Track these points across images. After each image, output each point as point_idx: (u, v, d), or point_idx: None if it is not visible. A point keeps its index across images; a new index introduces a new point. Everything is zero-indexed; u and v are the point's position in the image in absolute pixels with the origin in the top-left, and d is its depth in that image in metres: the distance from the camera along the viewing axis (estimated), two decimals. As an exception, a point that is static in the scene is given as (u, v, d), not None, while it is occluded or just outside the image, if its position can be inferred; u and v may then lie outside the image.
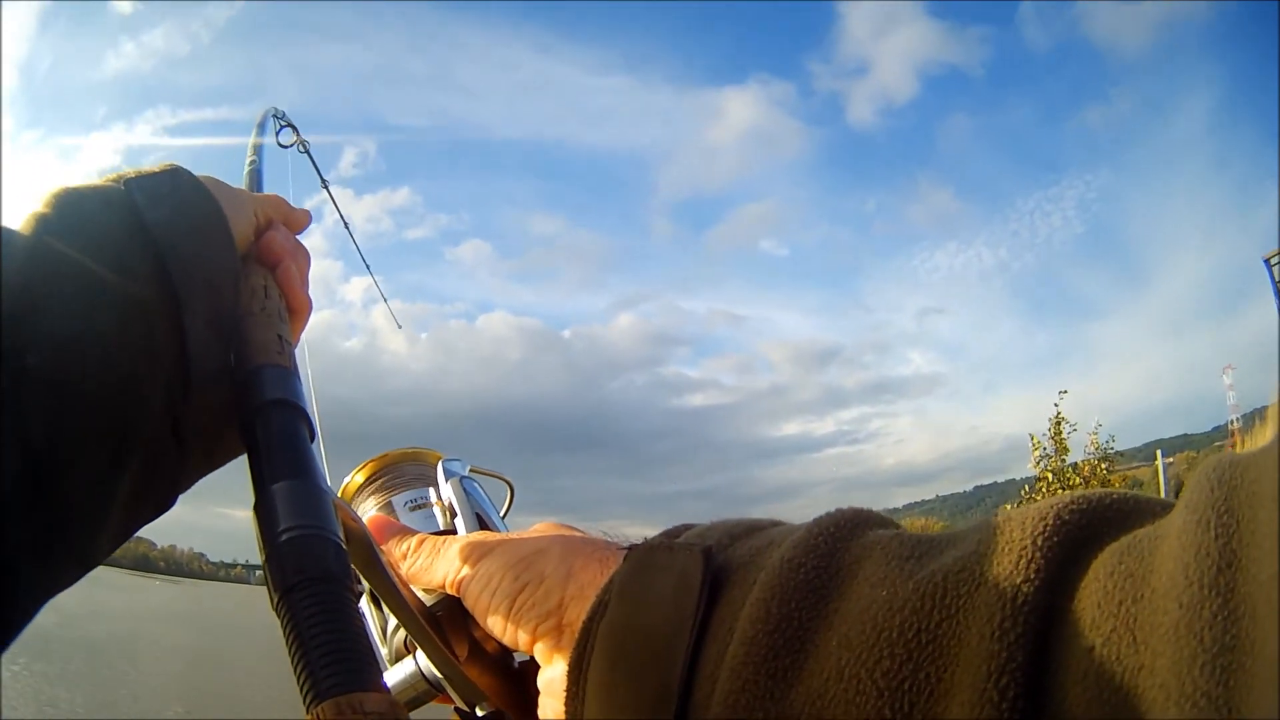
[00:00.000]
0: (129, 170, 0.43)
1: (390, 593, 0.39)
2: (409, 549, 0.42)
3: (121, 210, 0.39)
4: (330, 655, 0.26)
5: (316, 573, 0.29)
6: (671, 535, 0.36)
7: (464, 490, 0.45)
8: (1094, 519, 0.24)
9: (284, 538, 0.30)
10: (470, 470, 0.48)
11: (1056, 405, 14.52)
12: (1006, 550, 0.23)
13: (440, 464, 0.47)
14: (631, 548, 0.34)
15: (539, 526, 0.42)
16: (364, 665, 0.27)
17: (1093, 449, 14.63)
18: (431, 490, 0.47)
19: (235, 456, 0.42)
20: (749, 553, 0.31)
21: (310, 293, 0.51)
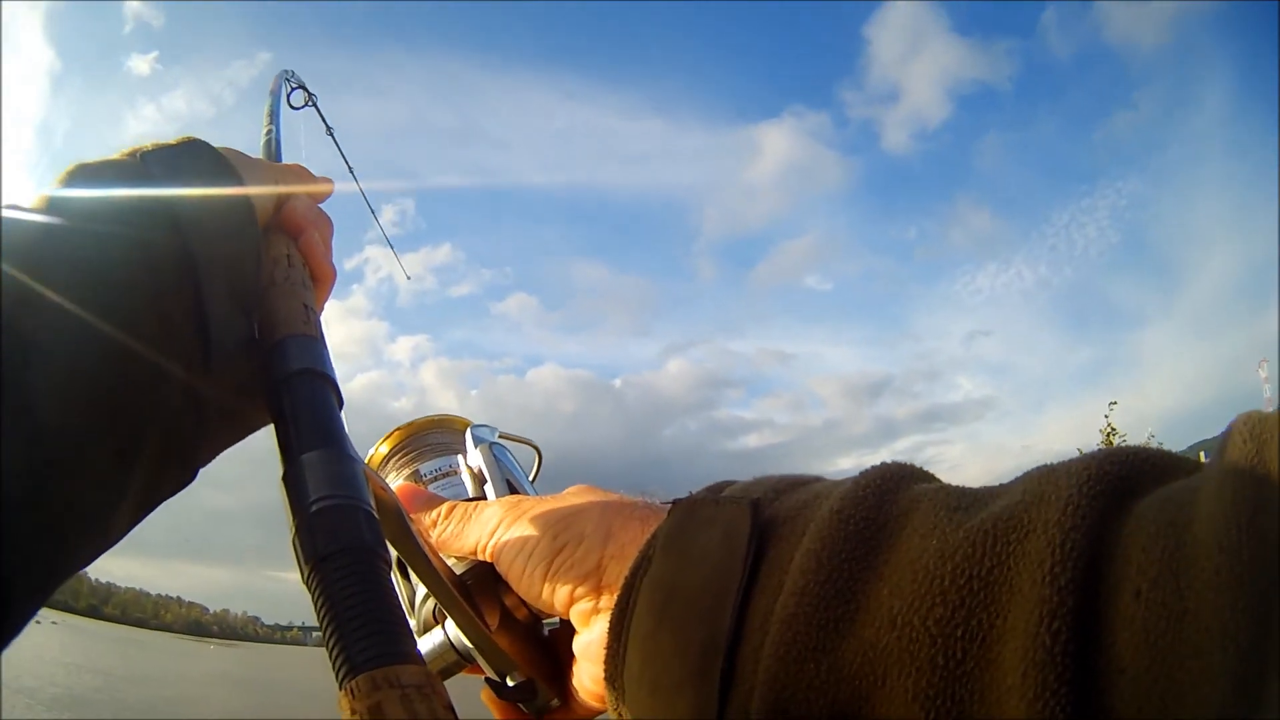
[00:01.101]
0: (146, 144, 0.43)
1: (422, 562, 0.38)
2: (439, 516, 0.42)
3: (137, 183, 0.38)
4: (365, 628, 0.26)
5: (349, 543, 0.28)
6: (714, 491, 0.35)
7: (493, 456, 0.45)
8: (1134, 471, 0.24)
9: (315, 508, 0.29)
10: (499, 436, 0.48)
11: (1106, 417, 14.71)
12: (1054, 499, 0.24)
13: (468, 430, 0.47)
14: (675, 504, 0.34)
15: (573, 490, 0.42)
16: (400, 637, 0.26)
17: None
18: (460, 458, 0.47)
19: (260, 427, 0.42)
20: (795, 506, 0.31)
21: (334, 261, 0.50)
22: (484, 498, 0.45)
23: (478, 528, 0.40)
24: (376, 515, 0.31)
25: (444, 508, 0.43)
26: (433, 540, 0.42)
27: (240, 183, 0.43)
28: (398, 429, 0.49)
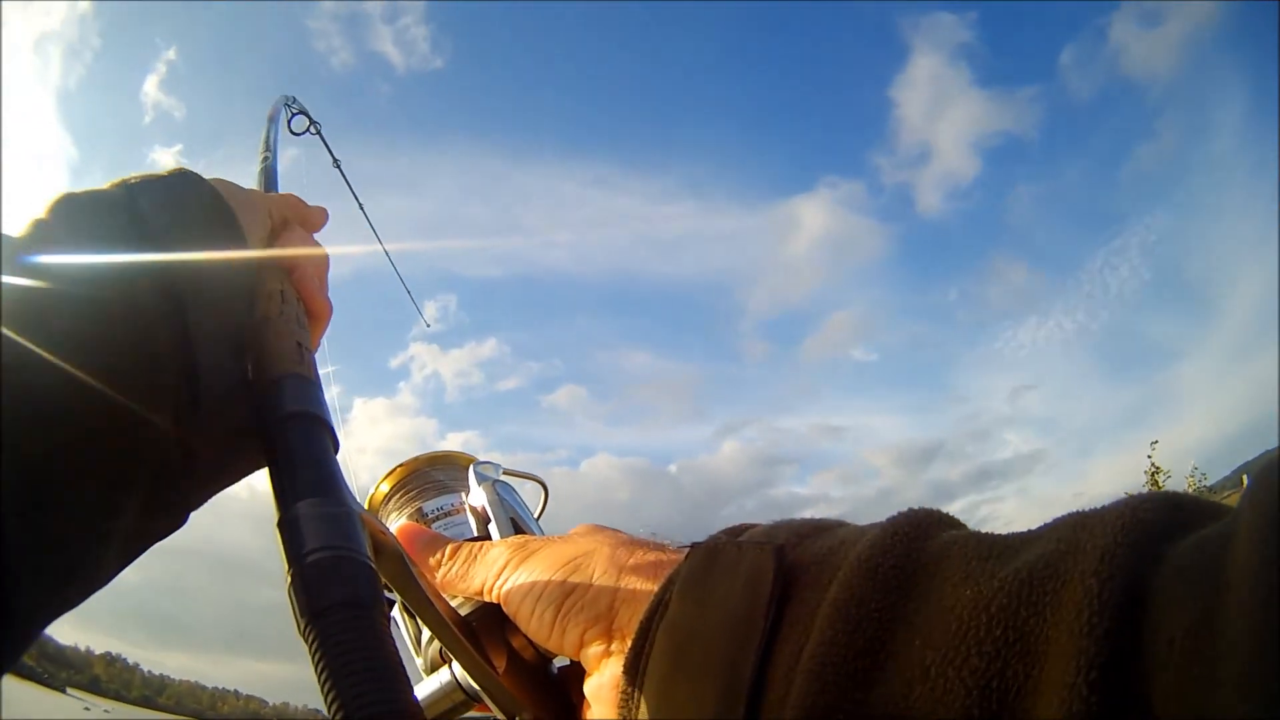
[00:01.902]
0: (134, 174, 0.42)
1: (424, 605, 0.38)
2: (443, 557, 0.41)
3: (124, 217, 0.37)
4: (361, 684, 0.26)
5: (345, 598, 0.28)
6: (734, 533, 0.34)
7: (497, 494, 0.44)
8: (1167, 517, 0.24)
9: (310, 559, 0.29)
10: (503, 473, 0.46)
11: (1150, 457, 15.00)
12: (1089, 548, 0.23)
13: (472, 468, 0.46)
14: (693, 547, 0.33)
15: (580, 529, 0.41)
16: (397, 691, 0.26)
17: (1190, 489, 14.95)
18: (463, 495, 0.46)
19: (255, 470, 0.41)
20: (821, 552, 0.30)
21: (330, 296, 0.49)
22: (488, 537, 0.44)
23: (484, 569, 0.39)
24: (374, 564, 0.30)
25: (448, 549, 0.42)
26: (437, 582, 0.41)
27: (232, 214, 0.41)
28: (399, 465, 0.48)
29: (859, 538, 0.29)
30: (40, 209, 0.36)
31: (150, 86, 29.71)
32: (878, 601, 0.26)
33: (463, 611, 0.41)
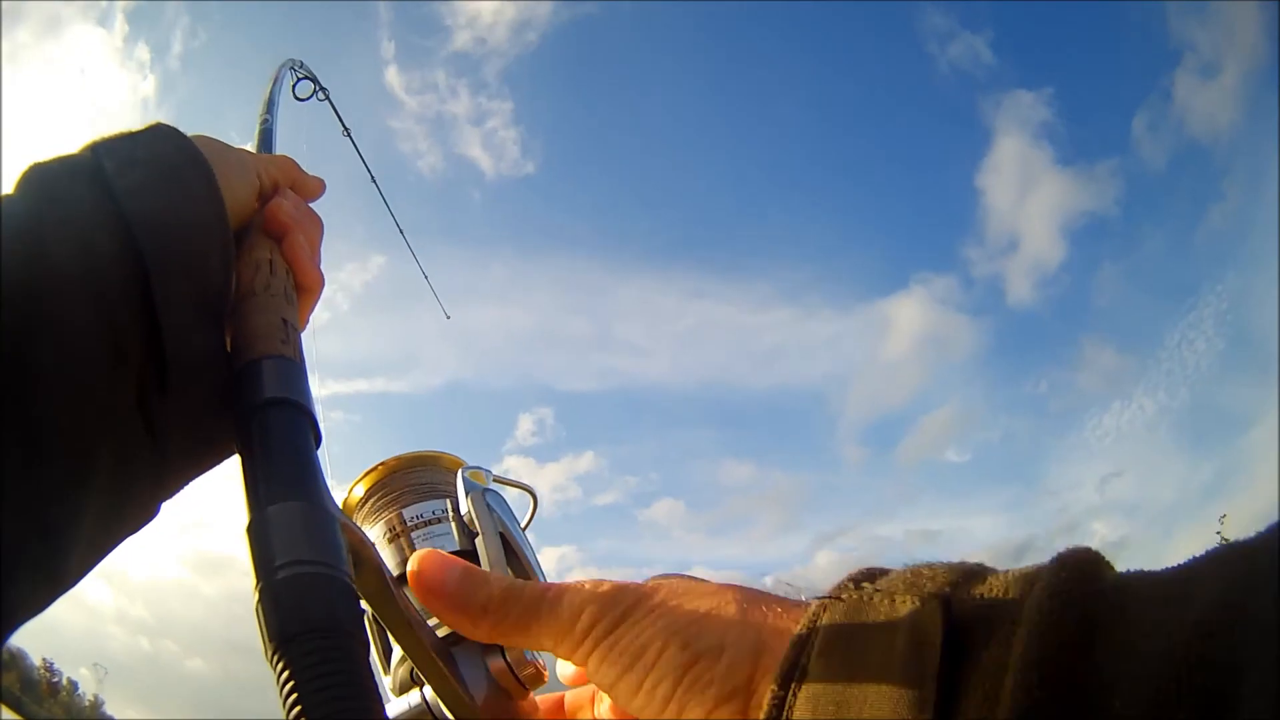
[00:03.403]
0: (108, 133, 0.38)
1: (403, 627, 0.34)
2: (491, 602, 0.33)
3: (86, 180, 0.34)
4: None
5: (320, 623, 0.24)
6: (861, 579, 0.29)
7: (486, 505, 0.40)
8: None
9: (282, 574, 0.25)
10: (493, 481, 0.43)
11: (1219, 532, 15.40)
12: (1263, 587, 0.21)
13: (460, 474, 0.42)
14: (831, 598, 0.28)
15: (676, 580, 0.32)
16: None
17: None
18: (448, 502, 0.42)
19: (230, 456, 0.37)
20: (984, 602, 0.26)
21: (323, 268, 0.46)
22: (474, 550, 0.40)
23: (558, 624, 0.31)
24: (354, 580, 0.27)
25: (496, 591, 0.33)
26: (487, 636, 0.33)
27: (209, 173, 0.37)
28: (379, 464, 0.44)
29: (1026, 583, 0.25)
30: (9, 183, 0.33)
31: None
32: (1068, 659, 0.23)
33: (440, 633, 0.37)
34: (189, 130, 0.41)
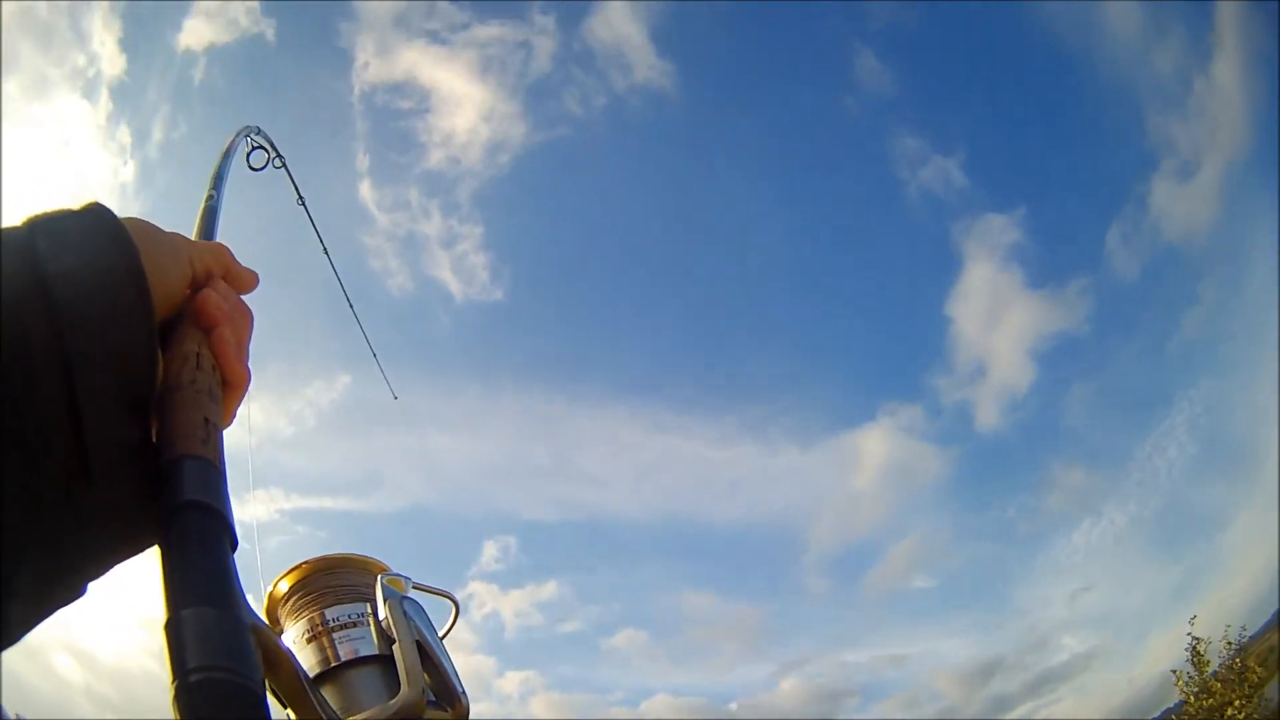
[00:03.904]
0: (48, 210, 0.38)
1: None
2: None
3: (19, 259, 0.34)
4: None
5: None
6: None
7: (404, 614, 0.40)
8: None
9: (194, 678, 0.27)
10: (413, 588, 0.42)
11: (1189, 633, 16.05)
12: None
13: (380, 580, 0.41)
14: None
15: None
16: None
17: (1225, 649, 15.96)
18: (368, 606, 0.42)
19: (154, 544, 0.37)
20: None
21: (250, 365, 0.45)
22: (390, 656, 0.39)
23: None
24: (264, 687, 0.29)
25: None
26: None
27: (137, 261, 0.37)
28: (304, 563, 0.43)
29: None
30: None
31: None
32: None
33: None
34: (166, 222, 0.43)
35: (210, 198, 0.67)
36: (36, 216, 0.37)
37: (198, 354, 0.42)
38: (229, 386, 0.43)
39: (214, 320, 0.43)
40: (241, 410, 0.47)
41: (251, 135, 1.13)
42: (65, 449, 0.32)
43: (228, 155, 0.87)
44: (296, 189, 1.37)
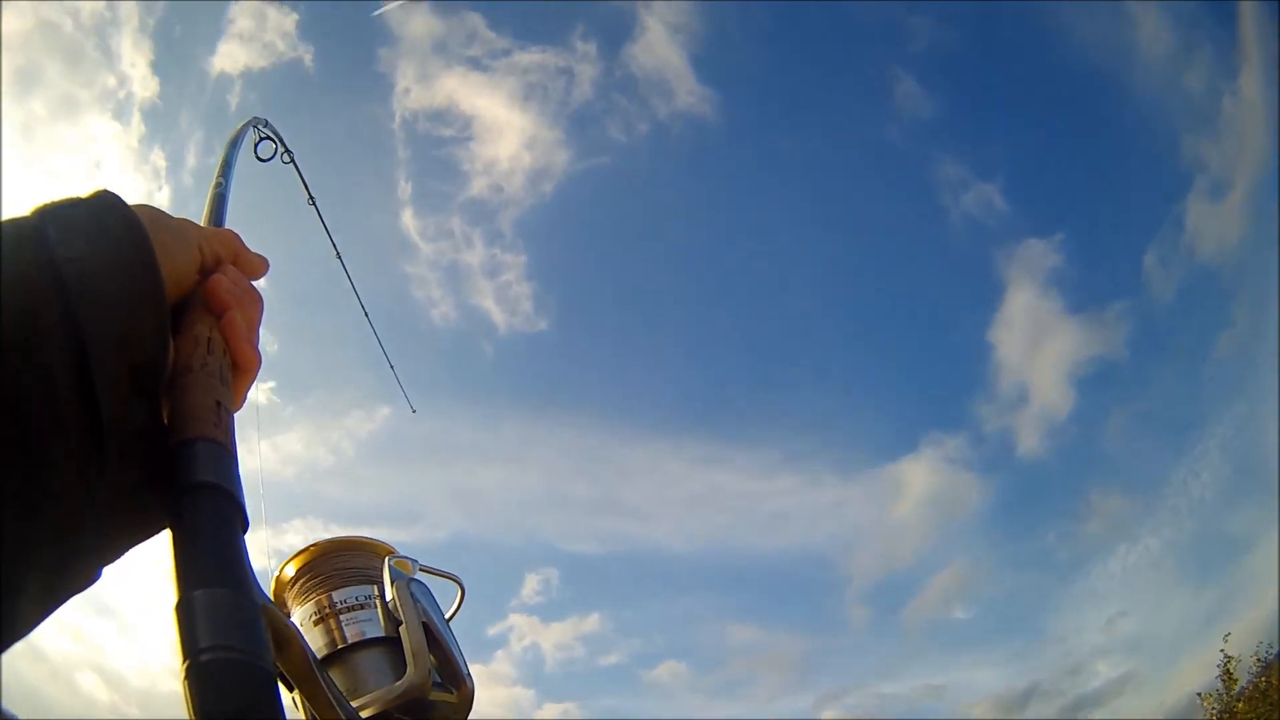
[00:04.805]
0: (57, 199, 0.39)
1: (328, 708, 0.35)
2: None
3: (30, 246, 0.34)
4: None
5: (239, 706, 0.27)
6: None
7: (410, 595, 0.40)
8: None
9: (205, 658, 0.28)
10: (419, 570, 0.43)
11: (1222, 650, 16.40)
12: None
13: (387, 563, 0.42)
14: None
15: None
16: None
17: (1255, 665, 16.22)
18: (375, 588, 0.42)
19: (165, 528, 0.38)
20: None
21: (261, 348, 0.46)
22: (398, 637, 0.40)
23: None
24: (274, 667, 0.30)
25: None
26: None
27: (148, 246, 0.38)
28: (311, 546, 0.44)
29: None
30: None
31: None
32: None
33: (364, 713, 0.38)
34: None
35: (219, 185, 0.68)
36: (46, 205, 0.37)
37: (209, 338, 0.42)
38: (239, 370, 0.44)
39: (225, 304, 0.44)
40: (251, 394, 0.48)
41: (259, 126, 1.13)
42: (79, 432, 0.33)
43: (235, 144, 0.88)
44: (306, 187, 1.37)
